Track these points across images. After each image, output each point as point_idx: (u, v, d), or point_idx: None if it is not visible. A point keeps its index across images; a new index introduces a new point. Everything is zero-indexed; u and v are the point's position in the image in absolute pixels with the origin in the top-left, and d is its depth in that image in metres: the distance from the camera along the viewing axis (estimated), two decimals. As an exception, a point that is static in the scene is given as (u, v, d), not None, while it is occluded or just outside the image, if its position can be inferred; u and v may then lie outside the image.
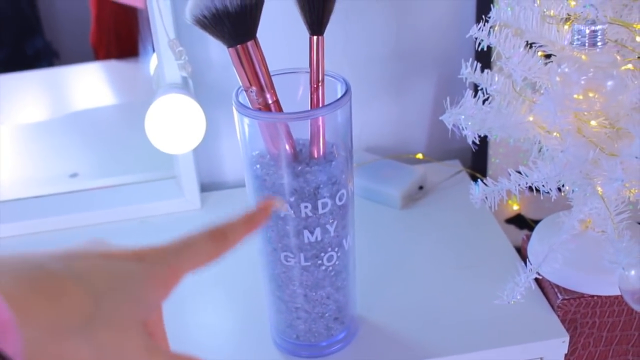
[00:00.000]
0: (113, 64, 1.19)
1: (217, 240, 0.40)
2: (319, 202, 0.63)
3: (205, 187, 1.03)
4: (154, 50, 0.92)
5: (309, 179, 0.62)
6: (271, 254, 0.67)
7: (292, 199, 0.62)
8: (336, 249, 0.66)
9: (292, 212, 0.63)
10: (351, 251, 0.69)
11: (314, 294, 0.68)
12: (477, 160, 0.99)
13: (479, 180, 0.69)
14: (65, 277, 0.33)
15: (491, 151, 0.97)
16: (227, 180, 1.04)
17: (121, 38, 1.15)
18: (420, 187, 0.97)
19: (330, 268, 0.67)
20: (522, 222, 0.98)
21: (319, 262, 0.66)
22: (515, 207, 0.98)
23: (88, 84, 1.21)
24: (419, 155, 1.04)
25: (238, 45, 0.60)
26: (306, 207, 0.62)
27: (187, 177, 0.95)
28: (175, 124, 0.85)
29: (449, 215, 0.92)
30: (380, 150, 1.04)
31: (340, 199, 0.64)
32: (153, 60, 1.00)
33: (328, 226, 0.64)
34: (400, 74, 1.01)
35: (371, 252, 0.86)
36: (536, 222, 0.83)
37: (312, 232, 0.64)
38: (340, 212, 0.65)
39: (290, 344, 0.72)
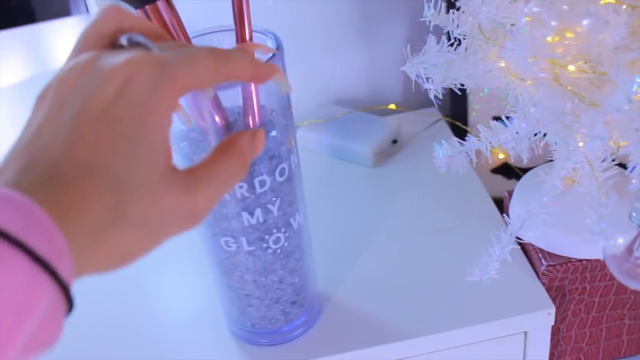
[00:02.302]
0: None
1: (219, 57, 0.36)
2: (256, 181, 0.54)
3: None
4: (87, 10, 0.83)
5: (241, 156, 0.53)
6: (211, 239, 0.59)
7: (225, 179, 0.54)
8: (283, 230, 0.58)
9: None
10: (303, 229, 0.61)
11: (263, 279, 0.60)
12: (456, 108, 0.90)
13: (442, 141, 0.61)
14: (83, 178, 0.32)
15: (471, 97, 0.87)
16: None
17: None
18: (394, 141, 0.88)
19: (279, 250, 0.59)
20: (510, 172, 0.90)
21: (265, 245, 0.58)
22: (501, 156, 0.89)
23: (64, 40, 1.14)
24: (392, 106, 0.95)
25: (146, 6, 0.51)
26: (241, 187, 0.54)
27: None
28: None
29: (425, 172, 0.83)
30: (352, 102, 0.95)
31: (280, 175, 0.56)
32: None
33: (270, 206, 0.56)
34: (369, 17, 0.91)
35: (339, 217, 0.78)
36: (525, 170, 0.75)
37: (251, 214, 0.56)
38: (283, 189, 0.56)
39: (247, 332, 0.65)
